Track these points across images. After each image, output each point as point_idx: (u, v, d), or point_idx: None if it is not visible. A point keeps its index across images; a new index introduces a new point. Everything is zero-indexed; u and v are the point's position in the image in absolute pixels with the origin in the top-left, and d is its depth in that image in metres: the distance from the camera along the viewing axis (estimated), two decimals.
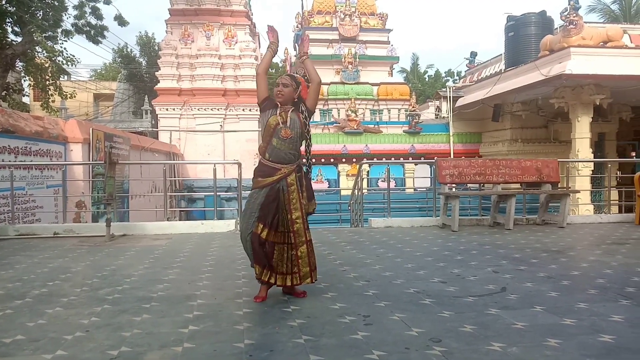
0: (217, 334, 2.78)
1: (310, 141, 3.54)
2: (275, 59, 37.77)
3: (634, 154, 19.25)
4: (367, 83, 18.98)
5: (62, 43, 15.65)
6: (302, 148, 3.54)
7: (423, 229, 7.38)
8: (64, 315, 3.13)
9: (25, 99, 26.06)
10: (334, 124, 18.47)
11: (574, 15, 12.82)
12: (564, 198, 7.60)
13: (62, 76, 17.83)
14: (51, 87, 15.32)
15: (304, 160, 3.54)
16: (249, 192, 3.51)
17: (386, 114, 19.04)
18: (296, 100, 3.51)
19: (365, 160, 10.84)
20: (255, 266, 3.44)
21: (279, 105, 3.48)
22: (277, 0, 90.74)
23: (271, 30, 3.58)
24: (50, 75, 15.29)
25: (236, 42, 23.21)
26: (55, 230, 6.96)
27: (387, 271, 4.37)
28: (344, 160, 18.14)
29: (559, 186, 8.08)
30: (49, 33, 14.72)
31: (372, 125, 18.56)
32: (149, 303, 3.38)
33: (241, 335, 2.75)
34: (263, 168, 3.45)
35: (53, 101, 15.83)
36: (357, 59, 18.86)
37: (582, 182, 12.22)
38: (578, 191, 10.28)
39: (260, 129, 3.84)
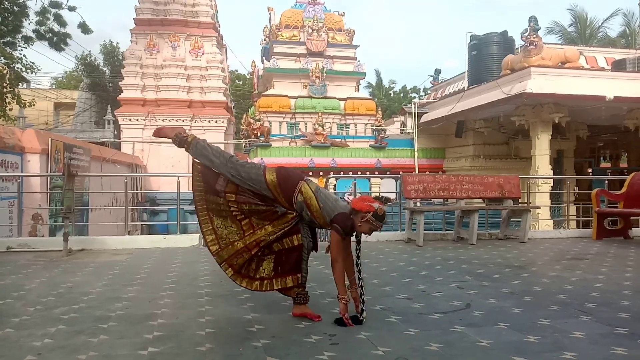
0: (178, 355, 2.67)
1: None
2: (243, 71, 37.66)
3: (590, 170, 20.01)
4: (334, 97, 19.10)
5: (22, 50, 15.19)
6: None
7: (389, 244, 7.41)
8: (14, 337, 2.96)
9: None
10: (301, 137, 18.49)
11: (534, 36, 13.27)
12: (525, 213, 7.78)
13: (20, 84, 17.26)
14: (9, 95, 14.79)
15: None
16: None
17: (353, 129, 19.18)
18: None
19: (332, 174, 10.85)
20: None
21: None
22: (245, 13, 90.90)
23: None
24: (8, 82, 14.77)
25: (203, 54, 23.02)
26: (8, 244, 6.65)
27: None
28: (311, 173, 18.10)
29: (520, 202, 8.27)
30: (8, 39, 14.26)
31: (339, 139, 18.65)
32: (106, 323, 3.24)
33: (203, 357, 2.66)
34: None
35: (10, 109, 15.28)
36: (325, 74, 18.97)
37: (542, 198, 12.56)
38: (538, 207, 10.56)
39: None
